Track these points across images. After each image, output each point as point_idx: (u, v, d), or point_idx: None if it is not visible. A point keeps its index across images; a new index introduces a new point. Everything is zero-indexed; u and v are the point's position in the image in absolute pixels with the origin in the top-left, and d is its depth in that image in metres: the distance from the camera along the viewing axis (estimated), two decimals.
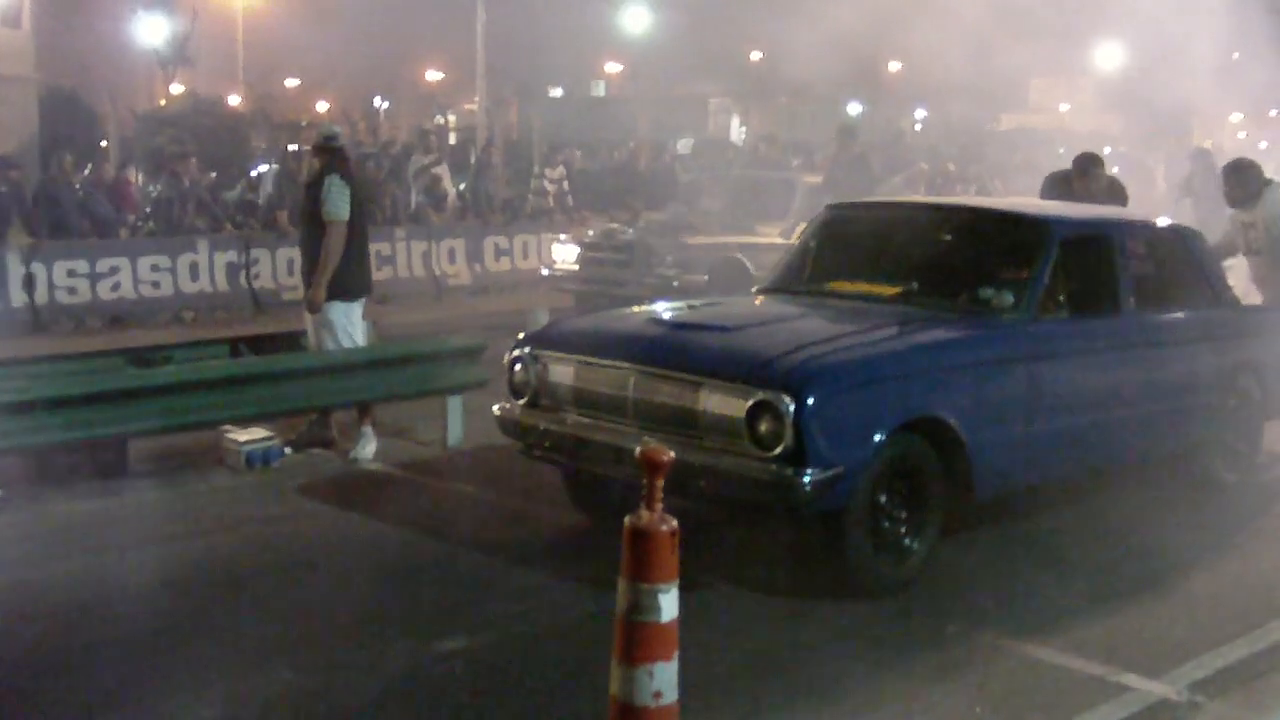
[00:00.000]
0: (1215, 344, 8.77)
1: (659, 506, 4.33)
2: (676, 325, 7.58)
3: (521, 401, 7.61)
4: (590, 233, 17.54)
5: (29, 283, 15.59)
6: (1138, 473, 8.50)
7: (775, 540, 7.36)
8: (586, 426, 7.24)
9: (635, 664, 4.29)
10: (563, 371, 7.42)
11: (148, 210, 18.70)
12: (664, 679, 4.30)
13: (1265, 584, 7.25)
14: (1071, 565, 7.43)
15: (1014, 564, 7.46)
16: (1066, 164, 11.65)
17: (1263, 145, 37.37)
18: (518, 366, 7.62)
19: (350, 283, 9.77)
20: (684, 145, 30.55)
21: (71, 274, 16.09)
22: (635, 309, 8.26)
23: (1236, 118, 47.68)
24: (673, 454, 4.37)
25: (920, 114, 48.50)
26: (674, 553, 4.33)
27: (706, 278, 15.19)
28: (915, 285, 7.98)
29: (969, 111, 37.07)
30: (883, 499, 6.78)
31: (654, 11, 44.82)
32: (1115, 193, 11.36)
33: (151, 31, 34.60)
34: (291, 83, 54.55)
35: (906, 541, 6.91)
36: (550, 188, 22.30)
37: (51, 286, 15.90)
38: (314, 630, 6.31)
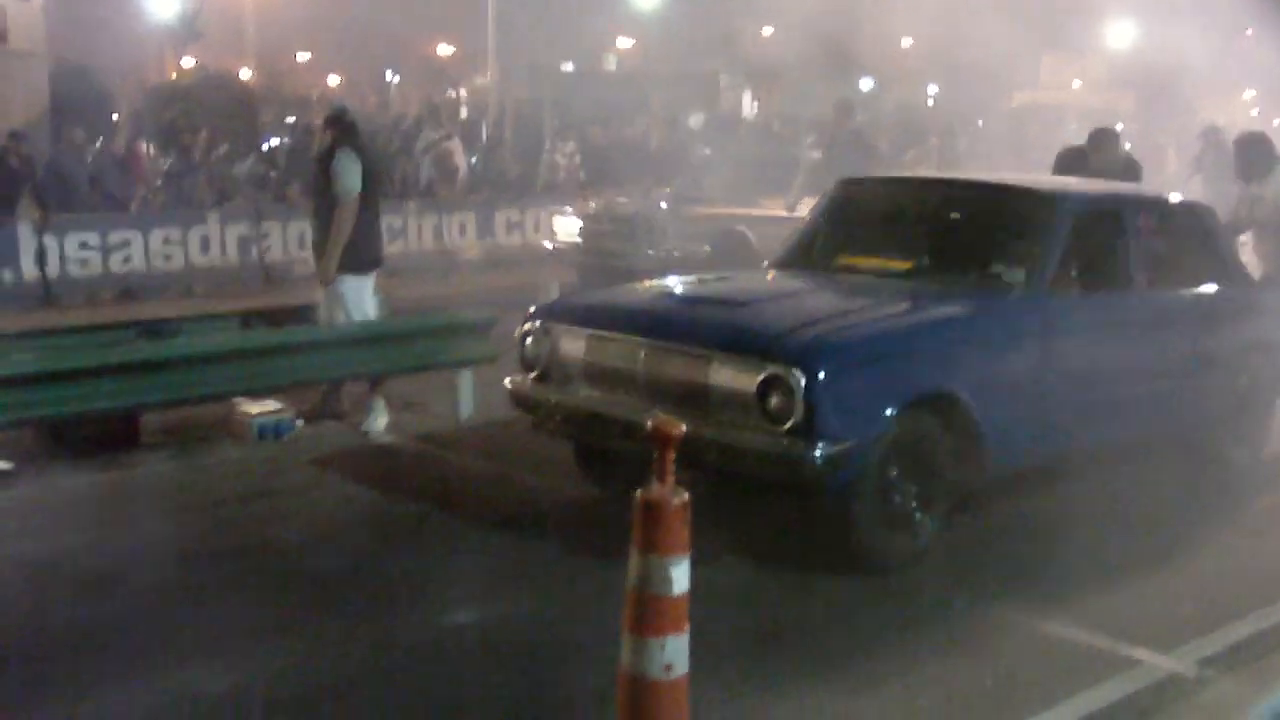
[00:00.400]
0: (1227, 321, 8.75)
1: (670, 479, 4.33)
2: (687, 299, 7.60)
3: (533, 375, 7.62)
4: (592, 205, 17.48)
5: (41, 256, 15.61)
6: (1146, 450, 8.48)
7: (784, 514, 7.35)
8: (597, 400, 7.26)
9: (646, 636, 4.30)
10: (574, 345, 7.42)
11: (159, 184, 18.71)
12: (675, 651, 4.31)
13: (1274, 561, 7.25)
14: (1079, 541, 7.40)
15: (1021, 539, 7.47)
16: (1077, 140, 11.63)
17: (1277, 123, 37.19)
18: (529, 339, 7.62)
19: (362, 256, 9.78)
20: (695, 121, 30.42)
21: (83, 247, 16.11)
22: (647, 283, 8.26)
23: (1249, 94, 47.45)
24: (684, 427, 4.38)
25: (933, 90, 48.29)
26: (685, 525, 4.33)
27: (708, 250, 15.20)
28: (926, 260, 7.99)
29: (981, 88, 36.92)
30: (893, 474, 6.77)
31: None
32: (1130, 169, 11.32)
33: (162, 6, 34.54)
34: (303, 57, 54.49)
35: (917, 517, 6.90)
36: (562, 162, 22.27)
37: (63, 259, 15.93)
38: (324, 602, 6.33)
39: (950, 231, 8.33)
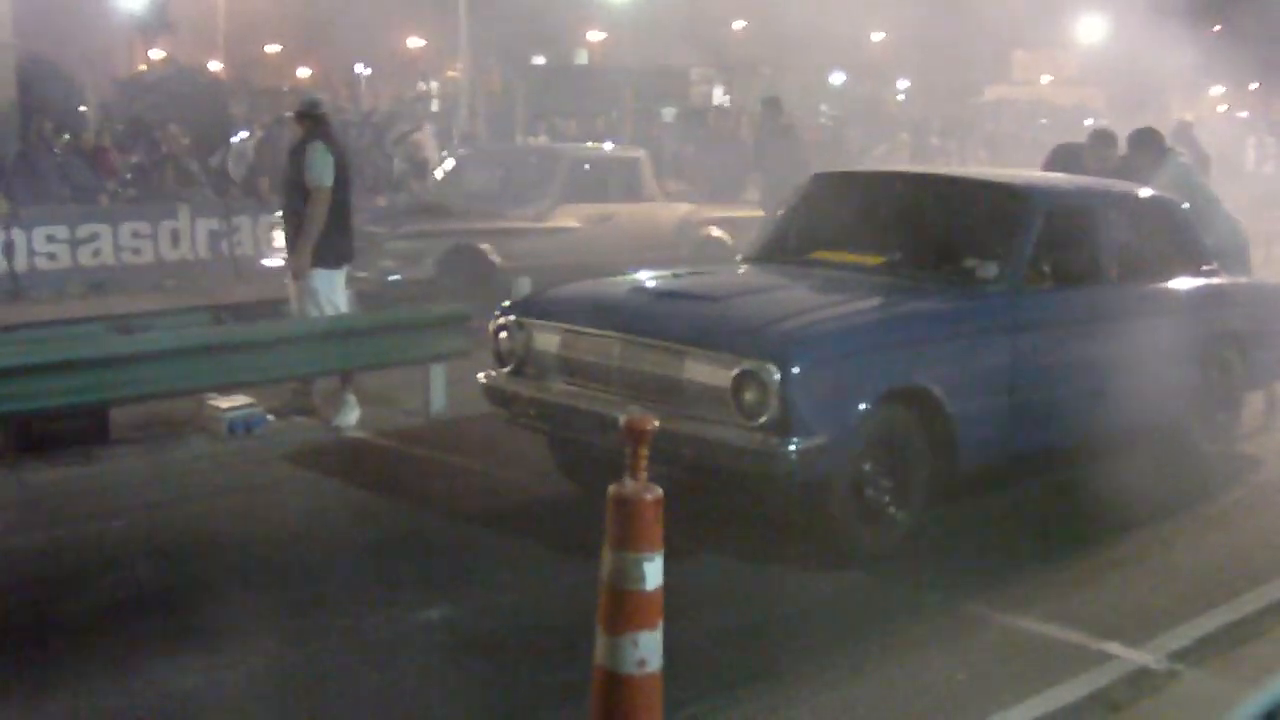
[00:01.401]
0: (1198, 315, 8.81)
1: (643, 475, 4.32)
2: (662, 294, 7.62)
3: (507, 369, 7.60)
4: None
5: (8, 249, 15.51)
6: (1119, 443, 8.52)
7: (759, 509, 7.36)
8: (572, 395, 7.24)
9: (619, 632, 4.29)
10: (548, 339, 7.42)
11: (128, 177, 18.62)
12: (648, 647, 4.30)
13: (1245, 554, 7.29)
14: (1051, 536, 7.47)
15: (994, 535, 7.50)
16: (1047, 136, 11.66)
17: (1244, 114, 37.47)
18: (503, 334, 7.59)
19: (334, 250, 9.76)
20: (667, 114, 30.43)
21: (51, 240, 16.04)
22: (622, 277, 8.22)
23: (1217, 90, 47.76)
24: (657, 422, 4.37)
25: (903, 84, 48.47)
26: (658, 521, 4.33)
27: (434, 272, 13.20)
28: (900, 255, 7.96)
29: (951, 82, 37.08)
30: (867, 469, 6.79)
31: None
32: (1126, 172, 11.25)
33: None
34: (272, 49, 54.25)
35: (891, 511, 6.92)
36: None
37: (31, 253, 15.84)
38: (296, 599, 6.31)
39: (924, 226, 8.30)
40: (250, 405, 9.37)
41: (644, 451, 4.34)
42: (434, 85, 43.91)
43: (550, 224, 14.28)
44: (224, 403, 9.31)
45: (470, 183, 15.41)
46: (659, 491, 4.34)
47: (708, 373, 6.62)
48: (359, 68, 50.80)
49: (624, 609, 4.30)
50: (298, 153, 9.77)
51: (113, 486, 8.14)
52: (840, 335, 6.84)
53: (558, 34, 47.30)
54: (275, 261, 13.04)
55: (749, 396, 6.43)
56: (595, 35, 53.45)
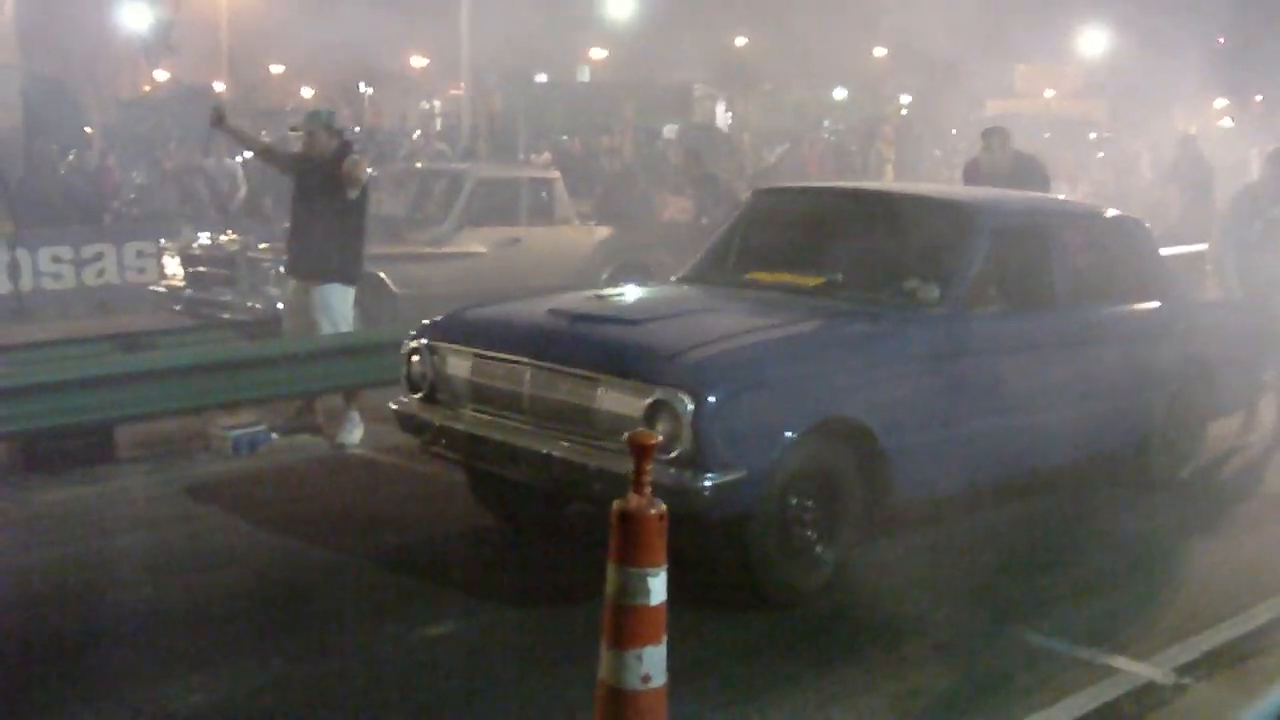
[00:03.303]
0: (1157, 339, 8.37)
1: (647, 490, 4.33)
2: (578, 317, 6.94)
3: (418, 395, 7.23)
4: (197, 241, 14.52)
5: (13, 270, 15.55)
6: (1069, 474, 8.32)
7: (677, 547, 7.29)
8: (482, 423, 6.85)
9: (624, 648, 4.29)
10: (459, 364, 7.03)
11: (131, 196, 18.67)
12: (652, 662, 4.30)
13: (1250, 569, 7.26)
14: (1056, 552, 7.45)
15: (998, 551, 7.47)
16: (1051, 150, 11.68)
17: (1228, 124, 37.43)
18: (415, 358, 7.23)
19: (355, 267, 9.78)
20: (669, 131, 30.50)
21: (56, 260, 16.08)
22: (542, 298, 7.63)
23: (1221, 103, 47.74)
24: (659, 437, 4.37)
25: (906, 99, 48.45)
26: (662, 536, 4.33)
27: None
28: (839, 276, 7.48)
29: (954, 97, 37.09)
30: (793, 504, 6.35)
31: None
32: (1024, 167, 11.10)
33: (136, 18, 34.45)
34: (276, 69, 54.36)
35: (818, 550, 6.49)
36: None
37: (36, 273, 15.89)
38: (304, 615, 6.30)
39: (864, 245, 7.75)
40: (255, 424, 9.37)
41: (647, 466, 4.34)
42: (437, 104, 43.99)
43: (452, 248, 13.79)
44: (229, 421, 9.31)
45: (376, 205, 13.70)
46: (663, 507, 4.34)
47: (620, 402, 6.19)
48: (362, 86, 50.90)
49: (628, 624, 4.30)
50: (331, 164, 9.59)
51: (117, 505, 8.14)
52: (761, 362, 6.37)
53: (560, 52, 47.40)
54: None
55: (661, 428, 5.93)
56: (598, 53, 53.55)
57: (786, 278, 7.66)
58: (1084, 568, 7.16)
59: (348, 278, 9.72)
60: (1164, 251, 9.15)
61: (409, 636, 6.05)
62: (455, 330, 7.21)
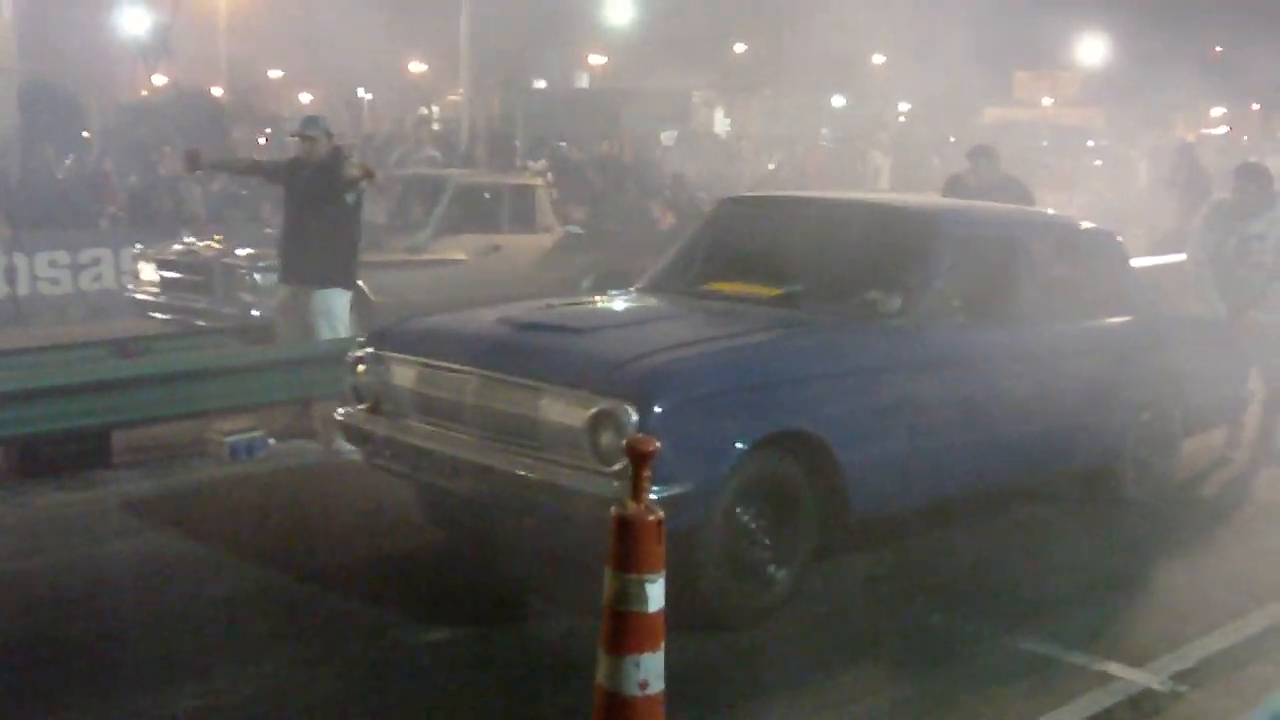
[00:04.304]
0: (1128, 355, 8.23)
1: (645, 497, 4.34)
2: (525, 326, 6.82)
3: (363, 406, 7.08)
4: (175, 248, 14.09)
5: (10, 274, 15.53)
6: (1033, 490, 8.29)
7: None
8: (427, 435, 6.69)
9: (621, 654, 4.29)
10: (404, 374, 6.86)
11: (122, 200, 18.65)
12: (650, 669, 4.30)
13: (1242, 577, 7.27)
14: (1050, 559, 7.45)
15: (993, 557, 7.48)
16: (1048, 157, 11.69)
17: (1245, 138, 37.50)
18: (360, 367, 7.07)
19: (352, 270, 9.82)
20: (668, 137, 30.47)
21: (53, 265, 16.06)
22: (491, 307, 7.48)
23: (1218, 111, 47.81)
24: (658, 444, 4.36)
25: (904, 106, 48.51)
26: (660, 543, 4.34)
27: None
28: (799, 286, 7.33)
29: (952, 104, 37.15)
30: (743, 520, 6.19)
31: (637, 3, 44.84)
32: (1010, 188, 10.99)
33: (134, 22, 34.45)
34: (275, 74, 54.38)
35: (770, 569, 6.32)
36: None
37: (33, 278, 15.87)
38: (301, 621, 6.30)
39: (828, 255, 7.55)
40: (252, 429, 9.36)
41: (646, 473, 4.35)
42: (435, 110, 44.01)
43: (431, 256, 13.58)
44: (226, 426, 9.30)
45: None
46: (660, 513, 4.35)
47: (564, 412, 6.02)
48: (360, 91, 50.92)
49: (626, 630, 4.30)
50: (328, 169, 9.60)
51: (114, 510, 8.13)
52: (709, 372, 6.20)
53: (558, 58, 47.47)
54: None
55: (605, 439, 5.80)
56: (596, 59, 53.58)
57: (746, 288, 7.52)
58: (1078, 576, 7.15)
59: (347, 282, 9.76)
60: (1161, 260, 9.12)
61: (407, 642, 6.05)
62: (402, 339, 7.07)
